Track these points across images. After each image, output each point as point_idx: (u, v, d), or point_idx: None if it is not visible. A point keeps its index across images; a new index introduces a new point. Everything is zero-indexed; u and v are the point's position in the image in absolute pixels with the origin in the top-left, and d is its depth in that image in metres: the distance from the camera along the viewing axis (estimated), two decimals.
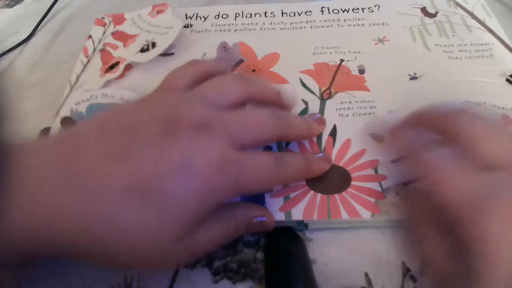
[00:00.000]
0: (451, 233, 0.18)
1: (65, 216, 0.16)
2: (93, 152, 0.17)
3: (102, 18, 0.37)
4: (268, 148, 0.25)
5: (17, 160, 0.16)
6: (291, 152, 0.25)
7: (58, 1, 0.42)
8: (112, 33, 0.36)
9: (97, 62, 0.33)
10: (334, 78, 0.29)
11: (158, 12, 0.37)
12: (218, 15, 0.36)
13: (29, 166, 0.16)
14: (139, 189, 0.16)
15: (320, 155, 0.24)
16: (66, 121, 0.28)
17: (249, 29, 0.34)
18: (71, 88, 0.31)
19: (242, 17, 0.36)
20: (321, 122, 0.26)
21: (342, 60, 0.30)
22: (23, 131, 0.22)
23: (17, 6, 0.45)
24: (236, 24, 0.35)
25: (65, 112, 0.29)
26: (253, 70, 0.30)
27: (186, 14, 0.36)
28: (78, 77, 0.32)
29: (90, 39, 0.36)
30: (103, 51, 0.34)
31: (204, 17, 0.36)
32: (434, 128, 0.20)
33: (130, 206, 0.16)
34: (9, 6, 0.45)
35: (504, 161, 0.17)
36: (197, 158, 0.17)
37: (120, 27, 0.36)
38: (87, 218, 0.16)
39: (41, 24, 0.41)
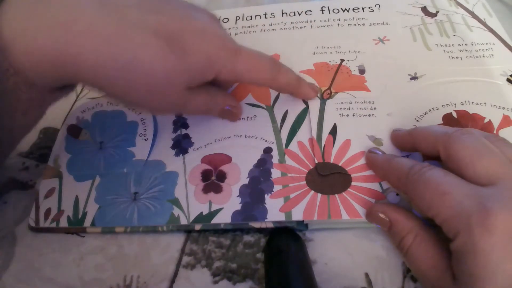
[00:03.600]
0: (445, 245, 0.19)
1: (100, 39, 0.17)
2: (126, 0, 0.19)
3: None
4: (268, 149, 0.26)
5: None
6: (288, 68, 0.26)
7: None
8: None
9: None
10: (335, 78, 0.29)
11: None
12: (219, 20, 0.36)
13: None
14: (167, 35, 0.19)
15: (312, 83, 0.28)
16: (73, 129, 0.29)
17: (250, 32, 0.34)
18: (77, 96, 0.31)
19: (243, 20, 0.35)
20: (314, 88, 0.28)
21: (342, 60, 0.30)
22: None
23: None
24: (237, 28, 0.35)
25: (71, 120, 0.29)
26: None
27: None
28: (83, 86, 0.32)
29: None
30: None
31: None
32: (428, 148, 0.21)
33: (156, 44, 0.19)
34: None
35: (494, 176, 0.18)
36: (215, 25, 0.21)
37: None
38: (119, 44, 0.18)
39: None
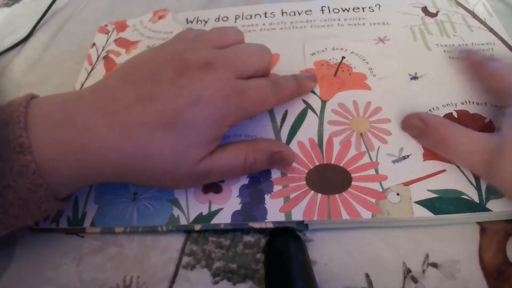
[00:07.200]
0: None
1: (111, 147, 0.20)
2: (125, 97, 0.20)
3: (105, 26, 0.37)
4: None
5: (62, 108, 0.20)
6: (283, 76, 0.26)
7: (56, 0, 0.42)
8: (115, 40, 0.36)
9: (100, 69, 0.33)
10: (335, 77, 0.29)
11: (159, 17, 0.37)
12: (219, 18, 0.36)
13: (74, 112, 0.20)
14: (166, 122, 0.20)
15: (307, 74, 0.28)
16: None
17: (250, 31, 0.34)
18: None
19: (242, 19, 0.35)
20: (312, 78, 0.28)
21: (343, 57, 0.30)
22: None
23: (16, 5, 0.45)
24: (236, 26, 0.35)
25: None
26: None
27: (187, 19, 0.36)
28: (82, 85, 0.32)
29: (94, 47, 0.36)
30: (106, 58, 0.34)
31: (204, 20, 0.36)
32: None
33: (160, 136, 0.20)
34: (8, 5, 0.45)
35: None
36: (206, 91, 0.21)
37: (122, 34, 0.36)
38: (127, 149, 0.20)
39: (40, 23, 0.41)
